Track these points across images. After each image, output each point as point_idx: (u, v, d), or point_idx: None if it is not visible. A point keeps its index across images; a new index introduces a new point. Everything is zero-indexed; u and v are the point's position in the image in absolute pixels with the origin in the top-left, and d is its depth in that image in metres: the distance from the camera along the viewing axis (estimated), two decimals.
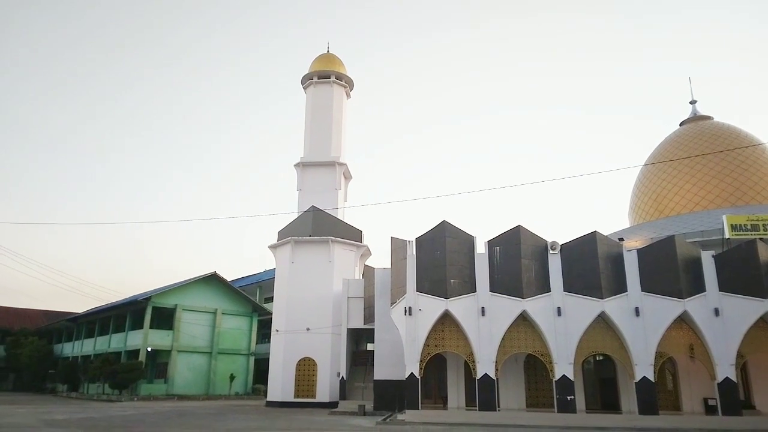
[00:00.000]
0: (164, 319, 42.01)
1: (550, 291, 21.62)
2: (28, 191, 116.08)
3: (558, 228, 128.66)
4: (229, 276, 47.28)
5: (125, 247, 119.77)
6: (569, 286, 21.60)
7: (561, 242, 22.32)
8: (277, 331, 31.38)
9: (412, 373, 21.35)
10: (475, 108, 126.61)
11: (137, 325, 41.47)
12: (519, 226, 22.32)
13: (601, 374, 23.60)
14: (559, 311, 21.23)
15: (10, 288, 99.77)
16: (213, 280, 44.14)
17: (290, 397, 29.56)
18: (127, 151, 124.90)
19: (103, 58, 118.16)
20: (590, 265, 21.66)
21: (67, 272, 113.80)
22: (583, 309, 21.23)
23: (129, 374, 36.87)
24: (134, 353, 40.23)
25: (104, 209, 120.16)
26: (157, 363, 42.17)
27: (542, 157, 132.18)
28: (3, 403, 31.00)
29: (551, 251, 22.15)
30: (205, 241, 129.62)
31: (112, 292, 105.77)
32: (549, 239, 22.42)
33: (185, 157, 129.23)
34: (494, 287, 21.79)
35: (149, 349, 39.64)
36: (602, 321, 21.54)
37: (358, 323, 28.72)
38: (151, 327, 40.08)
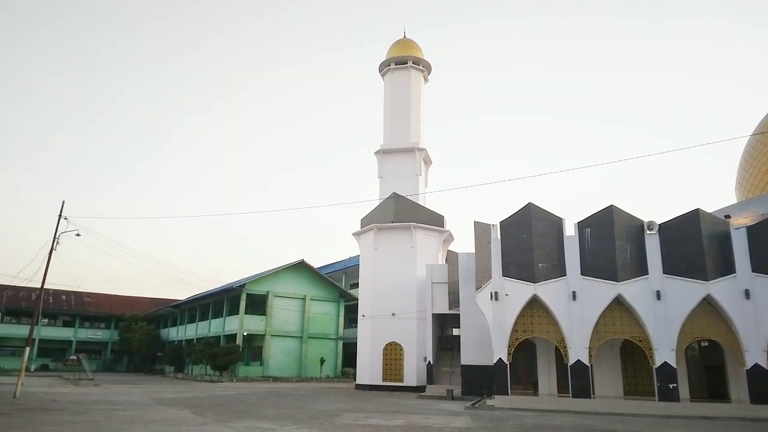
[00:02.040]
0: (258, 305, 44.27)
1: (647, 273, 20.39)
2: (135, 187, 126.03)
3: (653, 208, 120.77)
4: (315, 263, 48.86)
5: (221, 237, 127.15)
6: (669, 268, 20.26)
7: (658, 222, 20.95)
8: (363, 316, 32.05)
9: (500, 358, 21.03)
10: (556, 87, 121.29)
11: (233, 310, 44.04)
12: (612, 206, 21.19)
13: (708, 361, 22.00)
14: (658, 295, 19.99)
15: (120, 278, 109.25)
16: (301, 267, 45.83)
17: (378, 381, 30.17)
18: (219, 147, 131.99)
19: (198, 55, 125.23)
20: (693, 245, 20.16)
21: (171, 262, 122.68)
22: (686, 292, 19.85)
23: (228, 357, 39.26)
24: (232, 337, 42.76)
25: (201, 203, 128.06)
26: (253, 346, 44.57)
27: (632, 133, 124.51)
28: (119, 383, 34.14)
29: (648, 231, 20.84)
30: (292, 230, 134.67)
31: (210, 280, 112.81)
32: (645, 219, 21.12)
33: (272, 150, 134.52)
34: (586, 270, 20.89)
35: (245, 333, 41.93)
36: (707, 304, 20.03)
37: (443, 308, 28.69)
38: (246, 313, 42.39)
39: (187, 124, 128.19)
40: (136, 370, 58.20)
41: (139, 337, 54.83)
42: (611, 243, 20.81)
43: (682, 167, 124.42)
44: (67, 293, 62.29)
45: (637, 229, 21.05)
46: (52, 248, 22.65)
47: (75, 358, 50.47)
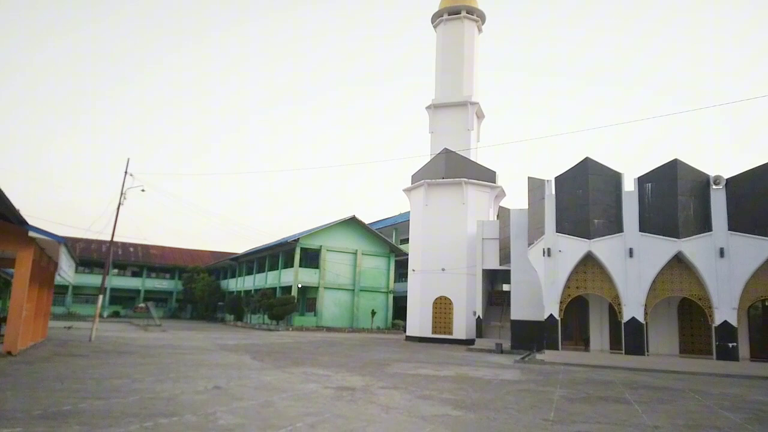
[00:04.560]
0: (311, 258, 45.53)
1: (711, 230, 19.52)
2: (198, 145, 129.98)
3: (721, 163, 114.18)
4: (366, 219, 49.48)
5: (277, 194, 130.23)
6: (735, 225, 19.31)
7: (726, 177, 19.86)
8: (414, 270, 32.41)
9: (551, 314, 20.94)
10: (615, 37, 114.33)
11: (288, 264, 45.55)
12: (676, 160, 20.19)
13: None
14: (721, 252, 19.17)
15: (182, 231, 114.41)
16: (352, 223, 46.54)
17: (428, 333, 30.74)
18: (273, 105, 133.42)
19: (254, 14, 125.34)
20: (763, 200, 19.07)
21: (230, 217, 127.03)
22: (752, 249, 18.93)
23: (284, 307, 40.90)
24: (287, 289, 44.39)
25: (258, 159, 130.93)
26: (307, 298, 46.17)
27: (695, 85, 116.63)
28: (184, 329, 36.31)
29: (714, 186, 19.81)
30: (345, 187, 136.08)
31: (267, 235, 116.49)
32: (710, 174, 20.06)
33: (329, 108, 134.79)
34: (644, 227, 20.21)
35: (299, 285, 43.40)
36: None
37: (494, 264, 28.60)
38: (300, 266, 43.75)
39: (246, 82, 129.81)
40: (198, 318, 61.59)
41: (201, 288, 57.83)
42: (673, 198, 19.96)
43: (752, 118, 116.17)
44: (135, 245, 66.02)
45: (702, 183, 20.05)
46: (119, 203, 23.90)
47: (143, 305, 53.92)
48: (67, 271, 18.47)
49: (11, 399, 8.04)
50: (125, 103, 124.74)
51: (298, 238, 43.98)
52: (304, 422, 7.26)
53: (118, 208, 23.93)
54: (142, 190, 24.70)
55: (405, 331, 34.26)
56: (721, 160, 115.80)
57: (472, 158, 33.00)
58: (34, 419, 6.70)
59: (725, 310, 19.02)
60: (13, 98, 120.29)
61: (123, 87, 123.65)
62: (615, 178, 21.00)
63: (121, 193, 23.90)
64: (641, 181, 20.65)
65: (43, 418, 6.81)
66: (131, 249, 65.02)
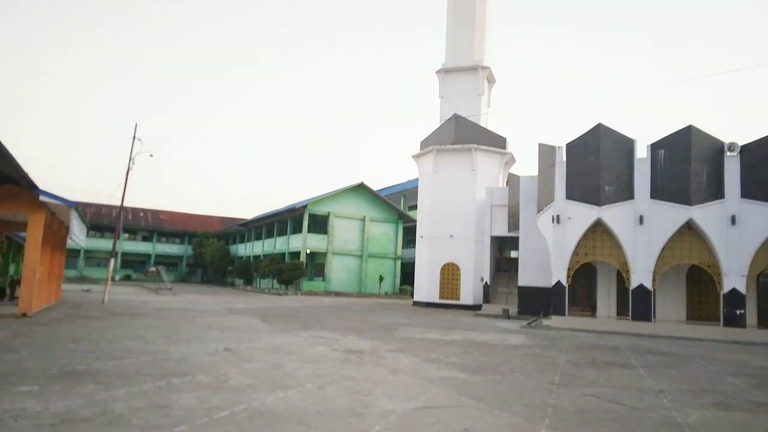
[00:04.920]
0: (320, 224, 45.74)
1: (723, 197, 19.29)
2: (204, 110, 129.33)
3: (735, 131, 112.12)
4: (375, 186, 49.40)
5: (286, 160, 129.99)
6: (748, 192, 19.07)
7: (741, 143, 19.52)
8: (422, 237, 32.47)
9: (559, 281, 21.00)
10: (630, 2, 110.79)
11: (297, 229, 45.81)
12: (690, 126, 19.81)
13: None
14: (733, 219, 18.99)
15: (192, 197, 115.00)
16: (361, 189, 46.50)
17: (435, 299, 31.00)
18: (281, 69, 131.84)
19: None
20: None
21: (238, 183, 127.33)
22: (764, 217, 18.75)
23: (293, 272, 41.33)
24: (296, 254, 44.76)
25: (265, 125, 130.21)
26: (315, 263, 46.58)
27: (714, 46, 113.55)
28: (194, 293, 36.86)
29: (728, 153, 19.49)
30: (352, 152, 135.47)
31: (275, 201, 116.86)
32: (725, 141, 19.70)
33: (339, 74, 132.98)
34: (656, 194, 20.01)
35: (308, 251, 43.72)
36: None
37: (502, 231, 28.56)
38: (308, 232, 43.99)
39: (253, 46, 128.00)
40: (208, 282, 62.46)
41: (211, 253, 58.45)
42: (686, 165, 19.68)
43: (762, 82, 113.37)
44: (145, 211, 66.56)
45: (716, 150, 19.72)
46: (128, 168, 23.94)
47: (155, 269, 54.71)
48: (78, 235, 18.66)
49: (28, 359, 8.23)
50: (134, 67, 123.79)
51: (307, 205, 44.07)
52: (313, 383, 7.38)
53: (127, 173, 24.00)
54: (151, 156, 24.72)
55: (412, 297, 34.57)
56: (738, 127, 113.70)
57: (483, 124, 32.59)
58: (51, 378, 6.86)
59: (734, 277, 18.97)
60: (21, 63, 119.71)
61: (129, 48, 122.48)
62: (627, 144, 20.69)
63: (130, 158, 23.93)
64: (654, 147, 20.34)
65: (60, 377, 6.97)
66: (141, 214, 65.58)
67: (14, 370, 7.31)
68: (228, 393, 6.54)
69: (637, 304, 19.98)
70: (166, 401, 5.94)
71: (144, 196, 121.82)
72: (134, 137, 24.14)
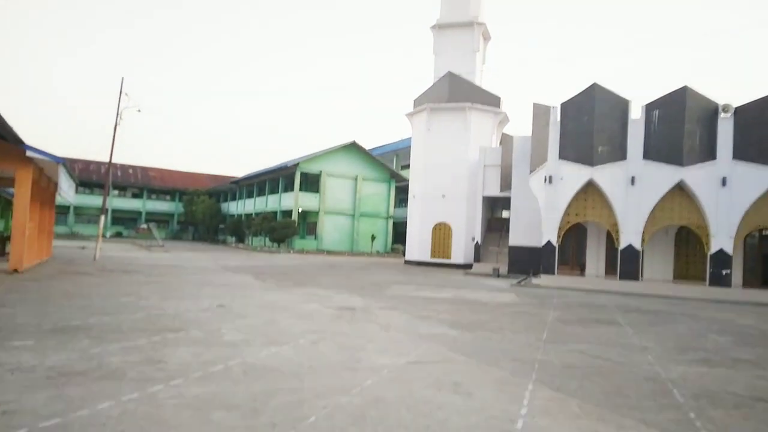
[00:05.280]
0: (311, 183, 45.57)
1: (715, 158, 19.34)
2: (194, 64, 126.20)
3: (731, 94, 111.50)
4: (367, 145, 49.07)
5: (277, 117, 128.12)
6: (740, 154, 19.11)
7: (735, 105, 19.42)
8: (414, 197, 32.48)
9: (549, 241, 21.18)
10: None
11: (289, 188, 45.65)
12: (685, 87, 19.64)
13: (766, 250, 21.45)
14: (724, 181, 19.09)
15: (181, 154, 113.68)
16: (353, 148, 46.12)
17: (426, 258, 31.28)
18: (272, 25, 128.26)
19: None
20: None
21: (228, 139, 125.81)
22: (755, 178, 18.86)
23: (285, 230, 41.42)
24: (287, 213, 44.74)
25: (256, 81, 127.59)
26: (308, 222, 46.66)
27: (715, 6, 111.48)
28: (187, 250, 36.93)
29: (722, 114, 19.41)
30: (344, 110, 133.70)
31: (266, 158, 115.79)
32: (720, 102, 19.59)
33: (328, 29, 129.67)
34: (648, 155, 20.00)
35: (300, 210, 43.70)
36: None
37: (494, 191, 28.61)
38: (300, 190, 43.86)
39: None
40: (200, 240, 62.53)
41: (202, 210, 58.27)
42: (680, 126, 19.62)
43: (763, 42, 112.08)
44: (134, 167, 65.89)
45: (710, 112, 19.63)
46: (116, 123, 23.50)
47: (146, 226, 54.56)
48: (67, 192, 18.48)
49: (21, 314, 8.25)
50: (120, 16, 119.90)
51: (298, 163, 43.75)
52: (306, 339, 7.49)
53: (115, 129, 23.59)
54: (138, 111, 24.24)
55: (404, 256, 34.86)
56: (735, 89, 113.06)
57: (477, 82, 32.14)
58: (45, 333, 6.90)
59: (722, 238, 19.23)
60: (8, 18, 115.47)
61: (119, 4, 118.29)
62: (622, 104, 20.53)
63: (117, 113, 23.46)
64: (649, 108, 20.21)
65: (54, 332, 7.01)
66: (130, 171, 64.92)
67: (8, 324, 7.34)
68: (222, 348, 6.62)
69: (625, 263, 20.27)
70: (160, 356, 6.01)
71: (133, 153, 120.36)
72: (121, 91, 23.61)
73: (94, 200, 56.56)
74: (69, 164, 17.08)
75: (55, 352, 5.88)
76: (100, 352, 6.04)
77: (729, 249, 19.18)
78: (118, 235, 57.74)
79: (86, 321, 7.91)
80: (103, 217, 24.19)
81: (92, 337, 6.77)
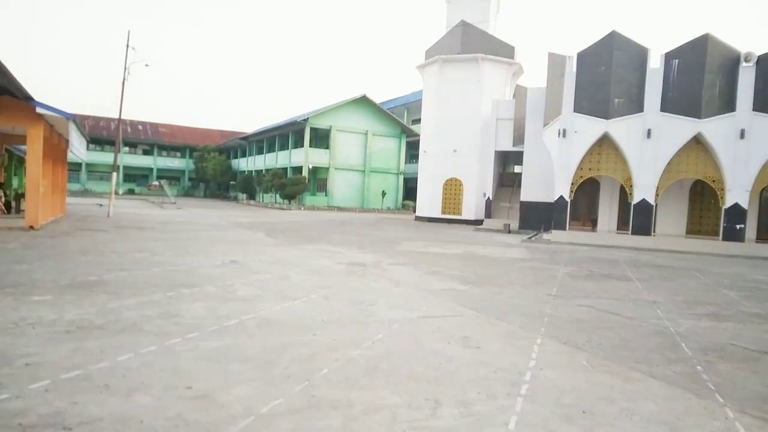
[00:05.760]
0: (321, 139, 45.28)
1: (734, 110, 18.84)
2: (206, 19, 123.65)
3: (757, 39, 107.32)
4: (377, 99, 48.32)
5: (287, 71, 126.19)
6: (761, 105, 18.60)
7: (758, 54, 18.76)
8: (425, 152, 32.19)
9: (561, 196, 21.04)
10: None
11: (299, 144, 45.42)
12: (707, 34, 18.95)
13: None
14: (742, 133, 18.67)
15: (191, 110, 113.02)
16: (363, 102, 45.48)
17: (437, 214, 31.30)
18: None
19: None
20: None
21: (238, 95, 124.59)
22: None
23: (295, 187, 41.50)
24: (298, 169, 44.70)
25: (265, 36, 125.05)
26: (318, 178, 46.64)
27: None
28: (198, 207, 37.27)
29: (744, 63, 18.78)
30: (355, 63, 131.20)
31: (276, 114, 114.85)
32: (743, 50, 18.92)
33: None
34: (666, 107, 19.54)
35: (310, 166, 43.62)
36: None
37: (507, 145, 28.27)
38: (310, 146, 43.66)
39: None
40: (212, 197, 62.96)
41: (213, 167, 58.41)
42: (700, 76, 19.05)
43: None
44: (144, 124, 65.79)
45: (732, 61, 19.00)
46: (123, 78, 23.30)
47: (157, 183, 54.96)
48: (78, 148, 18.52)
49: (39, 270, 8.43)
50: None
51: (308, 118, 43.35)
52: (318, 294, 7.59)
53: (123, 84, 23.40)
54: (146, 65, 23.96)
55: (415, 212, 34.89)
56: (759, 38, 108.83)
57: (491, 31, 31.21)
58: (63, 288, 7.06)
59: (737, 192, 18.97)
60: None
61: None
62: (641, 53, 19.91)
63: (125, 68, 23.22)
64: (668, 57, 19.59)
65: (72, 287, 7.17)
66: (140, 127, 64.86)
67: (27, 280, 7.51)
68: (236, 303, 6.74)
69: (638, 218, 20.14)
70: (176, 310, 6.14)
71: (142, 109, 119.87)
72: (128, 45, 23.28)
73: (105, 157, 56.83)
74: (79, 120, 17.07)
75: (73, 307, 6.03)
76: (118, 306, 6.18)
77: (744, 203, 18.94)
78: (131, 192, 58.26)
79: (102, 276, 8.07)
80: (114, 174, 24.32)
81: (109, 293, 6.91)
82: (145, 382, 3.89)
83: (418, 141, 34.61)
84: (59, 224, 17.31)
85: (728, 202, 19.15)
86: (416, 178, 34.39)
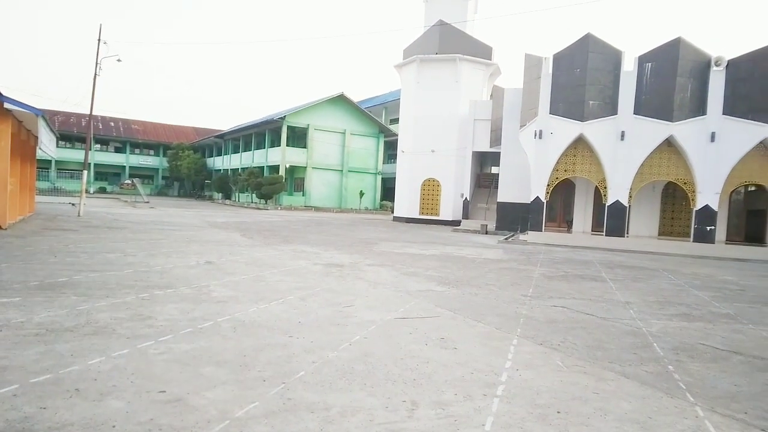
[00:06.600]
0: (299, 137, 44.97)
1: (705, 114, 19.32)
2: (179, 14, 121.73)
3: (730, 44, 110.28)
4: (355, 98, 48.23)
5: (263, 68, 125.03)
6: (730, 109, 19.10)
7: (729, 58, 19.26)
8: (403, 152, 32.25)
9: (537, 197, 21.28)
10: None
11: (275, 142, 45.04)
12: (679, 38, 19.39)
13: (750, 206, 21.79)
14: (713, 136, 19.15)
15: (164, 106, 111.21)
16: (341, 101, 45.34)
17: (415, 214, 31.40)
18: None
19: None
20: (762, 84, 18.67)
21: (213, 91, 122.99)
22: (744, 134, 18.93)
23: (272, 186, 41.14)
24: (275, 168, 44.34)
25: (241, 31, 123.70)
26: (295, 178, 46.34)
27: None
28: (172, 207, 36.69)
29: (715, 67, 19.26)
30: (332, 62, 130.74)
31: (252, 111, 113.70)
32: (714, 54, 19.40)
33: None
34: (639, 109, 19.93)
35: (287, 165, 43.30)
36: (763, 148, 19.24)
37: (484, 146, 28.49)
38: (287, 145, 43.34)
39: None
40: (186, 196, 62.01)
41: (187, 165, 57.49)
42: (672, 79, 19.49)
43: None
44: (115, 120, 64.40)
45: (703, 65, 19.47)
46: (95, 73, 22.78)
47: (130, 182, 53.89)
48: (48, 145, 18.04)
49: (6, 271, 8.18)
50: None
51: (285, 116, 43.04)
52: (294, 296, 7.53)
53: (95, 79, 22.87)
54: (119, 60, 23.46)
55: (393, 212, 34.93)
56: (732, 42, 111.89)
57: (469, 31, 31.41)
58: (32, 290, 6.86)
59: (708, 194, 19.45)
60: None
61: None
62: (615, 56, 20.26)
63: (96, 63, 22.69)
64: (642, 60, 19.98)
65: (40, 288, 6.97)
66: (112, 124, 63.47)
67: None
68: (211, 304, 6.64)
69: (611, 219, 20.50)
70: (149, 312, 6.02)
71: (114, 106, 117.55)
72: (99, 39, 22.76)
73: (75, 154, 55.50)
74: (49, 116, 16.62)
75: (42, 309, 5.86)
76: (89, 308, 6.03)
77: (714, 205, 19.43)
78: (102, 190, 57.01)
79: (73, 277, 7.87)
80: (85, 172, 23.77)
81: (79, 294, 6.74)
82: (117, 386, 3.80)
83: (397, 141, 34.67)
84: (28, 223, 16.84)
85: (699, 204, 19.62)
86: (394, 178, 34.44)
